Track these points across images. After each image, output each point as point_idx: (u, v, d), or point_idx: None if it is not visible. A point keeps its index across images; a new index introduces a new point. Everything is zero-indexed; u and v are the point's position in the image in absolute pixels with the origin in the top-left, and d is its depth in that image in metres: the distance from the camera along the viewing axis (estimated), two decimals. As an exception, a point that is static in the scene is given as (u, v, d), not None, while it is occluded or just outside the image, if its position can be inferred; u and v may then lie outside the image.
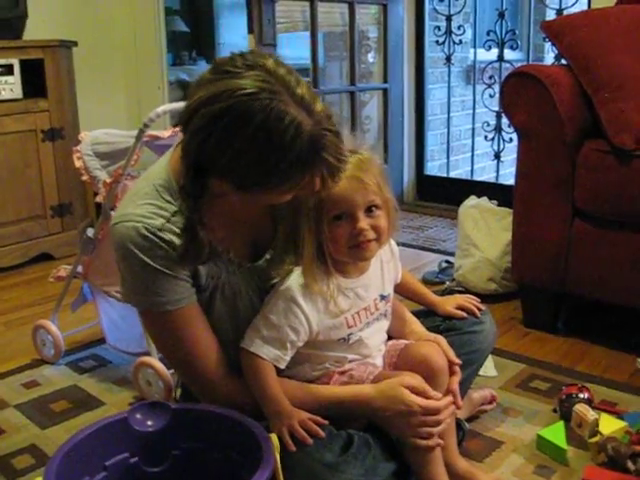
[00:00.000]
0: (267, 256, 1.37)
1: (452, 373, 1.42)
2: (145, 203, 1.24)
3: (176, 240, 1.22)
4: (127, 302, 1.32)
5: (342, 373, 1.37)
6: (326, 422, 1.27)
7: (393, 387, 1.32)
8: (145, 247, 1.22)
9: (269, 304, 1.31)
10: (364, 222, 1.28)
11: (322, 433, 1.25)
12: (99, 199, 1.98)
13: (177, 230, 1.23)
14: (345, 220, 1.28)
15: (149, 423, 1.23)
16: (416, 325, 1.55)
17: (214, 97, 1.09)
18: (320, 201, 1.26)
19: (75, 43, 3.24)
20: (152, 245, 1.21)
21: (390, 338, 1.50)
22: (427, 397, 1.32)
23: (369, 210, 1.29)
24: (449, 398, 1.36)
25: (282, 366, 1.30)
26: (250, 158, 1.10)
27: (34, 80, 3.08)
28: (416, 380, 1.33)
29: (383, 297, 1.42)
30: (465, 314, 1.59)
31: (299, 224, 1.30)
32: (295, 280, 1.30)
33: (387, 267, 1.44)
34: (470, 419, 1.75)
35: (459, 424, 1.59)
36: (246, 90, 1.08)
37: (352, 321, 1.35)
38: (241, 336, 1.31)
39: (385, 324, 1.46)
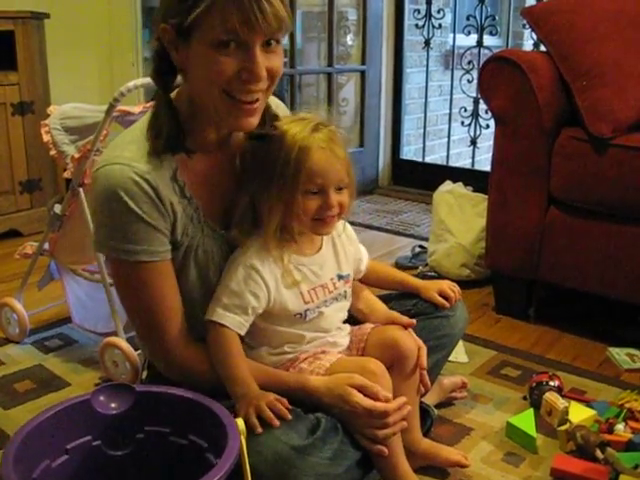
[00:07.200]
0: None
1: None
2: (133, 147, 1.23)
3: (161, 186, 1.22)
4: (99, 250, 1.30)
5: (304, 360, 1.36)
6: (290, 407, 1.24)
7: (339, 385, 1.29)
8: (133, 192, 1.19)
9: (228, 273, 1.31)
10: (334, 199, 1.30)
11: (289, 415, 1.22)
12: (67, 175, 1.94)
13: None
14: (318, 194, 1.30)
15: (112, 405, 1.19)
16: (377, 304, 1.54)
17: None
18: (297, 172, 1.26)
19: (47, 15, 3.16)
20: (140, 191, 1.20)
21: (352, 319, 1.50)
22: (376, 398, 1.28)
23: (338, 187, 1.31)
24: (402, 399, 1.31)
25: (243, 332, 1.30)
26: None
27: (4, 52, 3.00)
28: (366, 380, 1.29)
29: (341, 277, 1.42)
30: (447, 303, 1.59)
31: (267, 193, 1.29)
32: (253, 248, 1.31)
33: (342, 249, 1.44)
34: (440, 405, 1.74)
35: (427, 411, 1.58)
36: None
37: (308, 297, 1.35)
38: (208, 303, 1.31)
39: (345, 304, 1.45)
